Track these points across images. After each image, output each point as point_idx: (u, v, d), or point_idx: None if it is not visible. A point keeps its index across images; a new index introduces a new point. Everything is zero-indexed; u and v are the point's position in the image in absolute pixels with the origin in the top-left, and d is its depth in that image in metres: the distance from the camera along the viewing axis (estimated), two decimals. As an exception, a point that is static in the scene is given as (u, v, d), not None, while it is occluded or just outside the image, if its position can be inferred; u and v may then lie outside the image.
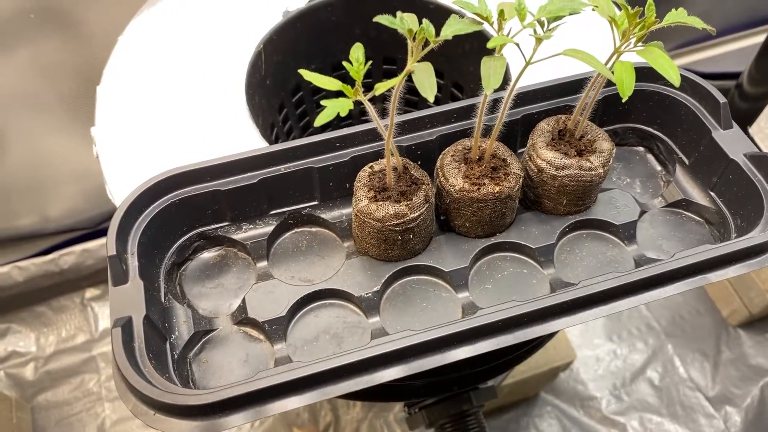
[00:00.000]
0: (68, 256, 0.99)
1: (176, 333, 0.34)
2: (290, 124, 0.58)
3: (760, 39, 1.00)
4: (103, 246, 1.04)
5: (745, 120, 0.90)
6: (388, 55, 0.58)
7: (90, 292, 1.06)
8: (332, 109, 0.28)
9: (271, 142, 0.53)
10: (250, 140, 0.43)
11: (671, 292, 0.32)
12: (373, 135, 0.38)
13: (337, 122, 0.61)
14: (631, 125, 0.42)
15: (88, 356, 1.00)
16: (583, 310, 0.31)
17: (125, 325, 0.30)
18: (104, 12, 0.74)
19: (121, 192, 0.40)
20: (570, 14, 0.29)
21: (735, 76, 1.00)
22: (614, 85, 0.30)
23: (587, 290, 0.31)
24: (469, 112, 0.38)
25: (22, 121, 0.81)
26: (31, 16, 0.71)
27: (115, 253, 0.32)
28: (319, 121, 0.28)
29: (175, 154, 0.42)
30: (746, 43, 1.12)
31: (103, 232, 1.02)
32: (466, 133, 0.38)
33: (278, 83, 0.53)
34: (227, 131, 0.43)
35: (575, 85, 0.38)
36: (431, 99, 0.27)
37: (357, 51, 0.29)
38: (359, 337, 0.36)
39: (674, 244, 0.38)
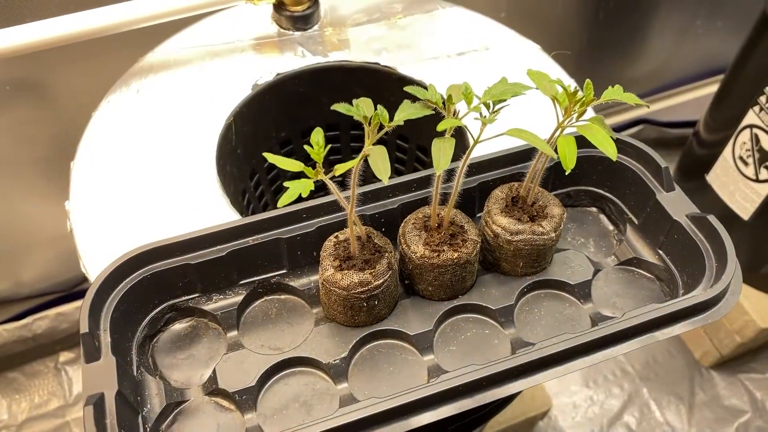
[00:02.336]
0: (42, 321, 0.98)
1: (148, 406, 0.35)
2: (262, 189, 0.59)
3: (713, 89, 1.05)
4: (78, 309, 1.03)
5: (703, 167, 0.93)
6: (355, 122, 0.60)
7: (64, 356, 1.04)
8: (294, 189, 0.30)
9: (242, 208, 0.55)
10: (220, 211, 0.44)
11: (623, 351, 0.34)
12: (338, 206, 0.39)
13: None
14: (583, 188, 0.44)
15: (62, 422, 0.98)
16: (540, 371, 0.33)
17: (97, 403, 0.31)
18: (77, 83, 0.76)
19: (94, 266, 0.41)
20: (512, 97, 0.32)
21: (692, 124, 1.05)
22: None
23: (543, 352, 0.33)
24: (428, 181, 0.40)
25: (-3, 185, 0.82)
26: (7, 88, 0.73)
27: (87, 330, 0.33)
28: (282, 202, 0.29)
29: (148, 228, 0.43)
30: (702, 92, 1.18)
31: (77, 295, 1.01)
32: (426, 201, 0.41)
33: (249, 152, 0.55)
34: (199, 203, 0.45)
35: (525, 154, 0.41)
36: (385, 181, 0.29)
37: (317, 135, 0.31)
38: (328, 404, 0.37)
39: (627, 302, 0.40)
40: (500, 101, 0.32)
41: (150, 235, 0.42)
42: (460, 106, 0.32)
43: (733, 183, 0.87)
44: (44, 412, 0.99)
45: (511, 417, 0.80)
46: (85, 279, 1.02)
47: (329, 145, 0.32)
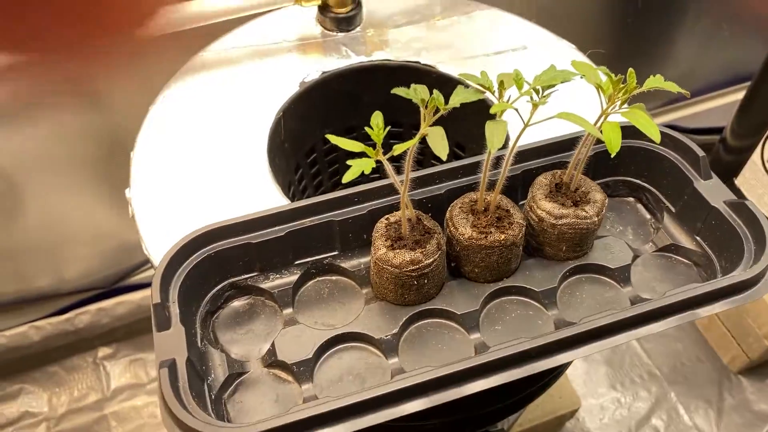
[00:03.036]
0: (84, 315, 1.01)
1: (212, 375, 0.37)
2: (305, 183, 0.62)
3: (739, 96, 1.06)
4: (118, 304, 1.06)
5: (731, 172, 0.94)
6: (394, 119, 0.63)
7: (102, 351, 1.07)
8: (357, 167, 0.32)
9: (289, 200, 0.58)
10: (272, 198, 0.47)
11: (663, 327, 0.36)
12: (388, 190, 0.42)
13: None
14: (621, 178, 0.46)
15: (100, 415, 1.01)
16: (585, 344, 0.35)
17: (171, 366, 0.33)
18: (124, 85, 0.79)
19: (156, 248, 0.44)
20: (561, 83, 0.34)
21: (718, 131, 1.06)
22: (603, 142, 0.35)
23: (588, 326, 0.34)
24: (473, 168, 0.42)
25: (41, 185, 0.85)
26: (56, 89, 0.76)
27: (159, 301, 0.35)
28: (347, 178, 0.32)
29: (204, 214, 0.46)
30: (727, 100, 1.18)
31: (117, 291, 1.05)
32: (471, 188, 0.42)
33: (295, 146, 0.57)
34: (252, 192, 0.47)
35: (569, 143, 0.43)
36: (444, 158, 0.31)
37: (377, 118, 0.33)
38: (380, 376, 0.39)
39: (666, 285, 0.41)
40: (550, 86, 0.34)
41: (207, 220, 0.45)
42: (511, 91, 0.34)
43: (763, 186, 0.88)
44: (83, 406, 1.02)
45: (541, 415, 0.81)
46: (125, 276, 1.05)
47: (388, 127, 0.34)
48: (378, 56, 0.57)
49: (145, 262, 1.04)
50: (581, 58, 0.55)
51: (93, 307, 1.02)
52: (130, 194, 0.48)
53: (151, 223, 0.46)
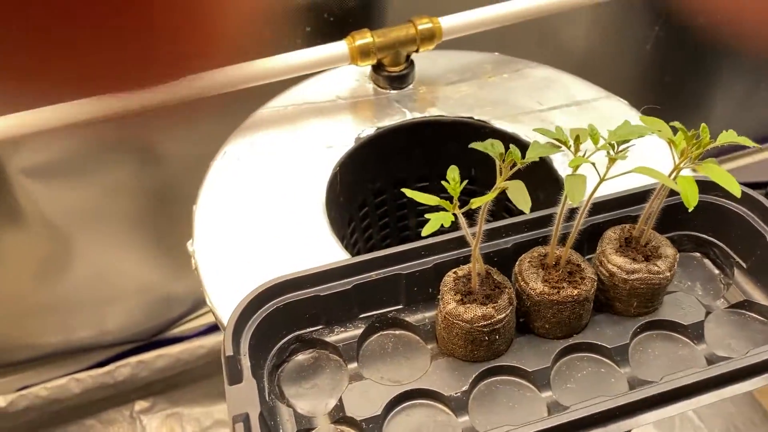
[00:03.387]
0: (124, 368, 1.01)
1: (281, 430, 0.37)
2: (356, 236, 0.62)
3: None
4: (158, 357, 1.06)
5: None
6: (443, 174, 0.63)
7: (139, 405, 1.06)
8: (436, 221, 0.32)
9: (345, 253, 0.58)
10: (331, 251, 0.47)
11: (750, 387, 0.34)
12: (454, 243, 0.42)
13: (398, 233, 0.66)
14: (687, 233, 0.46)
15: (136, 471, 1.00)
16: (669, 404, 0.33)
17: (245, 421, 0.33)
18: (176, 144, 0.81)
19: (219, 299, 0.44)
20: (637, 138, 0.34)
21: (761, 186, 1.05)
22: (670, 196, 0.34)
23: (671, 385, 0.33)
24: (539, 222, 0.42)
25: (89, 239, 0.87)
26: (111, 146, 0.79)
27: (231, 353, 0.35)
28: (426, 231, 0.32)
29: (265, 267, 0.46)
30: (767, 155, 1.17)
31: (156, 344, 1.05)
32: (537, 242, 0.42)
33: (349, 200, 0.58)
34: (311, 244, 0.48)
35: (639, 197, 0.42)
36: (527, 211, 0.31)
37: (453, 172, 0.34)
38: (449, 435, 0.37)
39: (743, 343, 0.40)
40: (625, 141, 0.34)
41: (268, 272, 0.45)
42: (586, 146, 0.34)
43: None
44: (119, 460, 1.01)
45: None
46: (165, 328, 1.06)
47: (464, 182, 0.35)
48: (430, 112, 0.58)
49: (185, 315, 1.05)
50: (633, 113, 0.56)
51: (133, 359, 1.02)
52: (192, 247, 0.49)
53: (214, 276, 0.46)
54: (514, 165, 0.33)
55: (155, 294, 0.99)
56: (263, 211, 0.51)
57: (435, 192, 0.64)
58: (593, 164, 0.33)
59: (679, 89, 1.02)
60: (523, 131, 0.55)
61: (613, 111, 0.57)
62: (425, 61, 0.62)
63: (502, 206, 0.61)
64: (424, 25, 0.57)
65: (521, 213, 0.34)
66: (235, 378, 0.35)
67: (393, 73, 0.60)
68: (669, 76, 0.99)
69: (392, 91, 0.61)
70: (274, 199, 0.52)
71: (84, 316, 0.98)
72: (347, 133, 0.57)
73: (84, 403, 1.02)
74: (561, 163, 0.53)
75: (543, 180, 0.53)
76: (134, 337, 1.03)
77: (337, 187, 0.55)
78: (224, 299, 0.44)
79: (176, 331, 1.05)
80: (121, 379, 1.01)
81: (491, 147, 0.33)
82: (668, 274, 0.39)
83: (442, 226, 0.34)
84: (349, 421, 0.37)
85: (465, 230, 0.36)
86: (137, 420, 1.05)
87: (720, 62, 0.98)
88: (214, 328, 1.03)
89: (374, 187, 0.62)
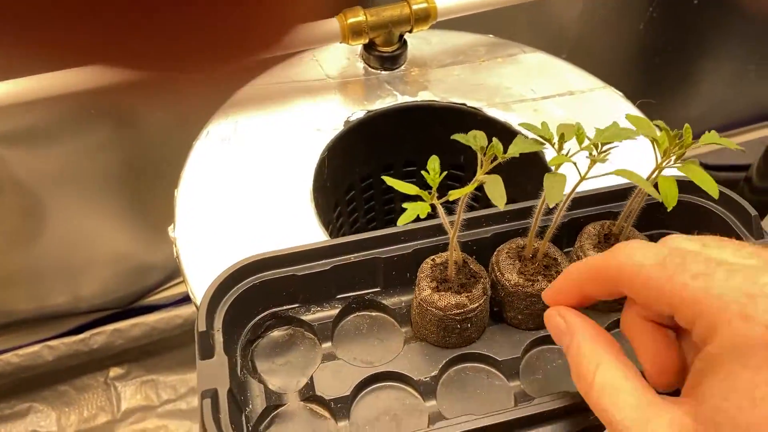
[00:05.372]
0: (98, 336, 1.01)
1: (250, 406, 0.37)
2: (342, 220, 0.62)
3: (763, 133, 1.06)
4: (133, 326, 1.05)
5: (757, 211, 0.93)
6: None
7: (114, 371, 1.06)
8: (412, 211, 0.32)
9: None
10: (316, 238, 0.47)
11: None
12: (434, 231, 0.42)
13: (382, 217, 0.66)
14: (666, 231, 0.46)
15: (109, 437, 1.00)
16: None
17: (213, 397, 0.33)
18: (158, 113, 0.80)
19: (199, 287, 0.44)
20: (624, 140, 0.34)
21: (742, 168, 1.06)
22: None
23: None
24: (521, 214, 0.42)
25: (63, 205, 0.85)
26: (92, 111, 0.77)
27: (204, 329, 0.35)
28: (402, 221, 0.32)
29: (248, 253, 0.46)
30: (752, 136, 1.18)
31: (132, 312, 1.04)
32: (517, 233, 0.42)
33: (335, 184, 0.58)
34: (296, 230, 0.48)
35: (619, 194, 0.43)
36: (501, 206, 0.31)
37: (434, 162, 0.34)
38: (417, 419, 0.38)
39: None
40: (610, 142, 0.34)
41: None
42: (570, 144, 0.34)
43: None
44: (92, 426, 1.01)
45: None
46: (140, 296, 1.05)
47: (444, 172, 0.34)
48: (422, 96, 0.58)
49: (161, 284, 1.04)
50: (628, 105, 0.56)
51: (108, 327, 1.02)
52: (173, 233, 0.48)
53: (194, 263, 0.46)
54: (495, 158, 0.33)
55: (131, 262, 0.98)
56: (248, 196, 0.50)
57: (422, 177, 0.65)
58: (574, 164, 0.33)
59: (671, 69, 1.02)
60: (516, 120, 0.55)
61: (608, 103, 0.57)
62: (418, 41, 0.62)
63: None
64: (418, 4, 0.56)
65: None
66: (207, 353, 0.35)
67: (385, 53, 0.60)
68: (661, 57, 0.99)
69: (383, 72, 0.61)
70: (260, 183, 0.51)
71: (58, 283, 0.97)
72: (336, 115, 0.57)
73: (57, 370, 1.02)
74: (552, 154, 0.53)
75: (532, 170, 0.53)
76: (109, 304, 1.02)
77: (324, 172, 0.55)
78: (204, 286, 0.44)
79: (152, 299, 1.05)
80: (96, 346, 1.01)
81: (473, 140, 0.33)
82: (643, 271, 0.39)
83: (422, 217, 0.34)
84: (319, 400, 0.38)
85: (444, 220, 0.36)
86: (112, 386, 1.05)
87: (711, 43, 0.99)
88: (189, 297, 1.03)
89: (362, 172, 0.62)
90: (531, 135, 0.35)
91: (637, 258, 0.27)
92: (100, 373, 1.06)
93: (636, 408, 0.25)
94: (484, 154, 0.34)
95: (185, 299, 1.03)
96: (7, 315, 0.98)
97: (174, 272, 1.03)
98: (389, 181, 0.34)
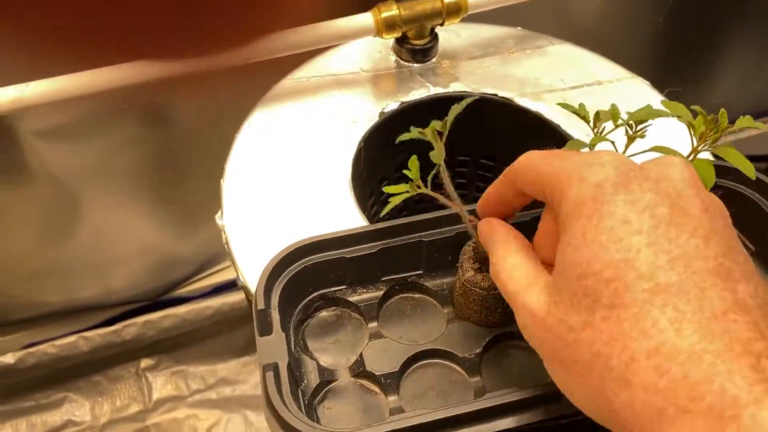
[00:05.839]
0: (131, 327, 1.03)
1: (305, 381, 0.39)
2: (376, 209, 0.64)
3: None
4: (164, 317, 1.07)
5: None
6: (462, 150, 0.65)
7: (145, 362, 1.09)
8: (396, 199, 0.35)
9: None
10: (356, 224, 0.48)
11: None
12: (476, 215, 0.43)
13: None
14: (697, 215, 0.47)
15: (142, 426, 1.02)
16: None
17: (275, 369, 0.35)
18: (192, 108, 0.82)
19: (249, 272, 0.46)
20: (657, 118, 0.36)
21: (763, 158, 1.06)
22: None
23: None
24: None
25: (95, 197, 0.87)
26: (125, 107, 0.79)
27: (263, 307, 0.37)
28: (386, 209, 0.35)
29: (291, 237, 0.47)
30: None
31: (162, 304, 1.07)
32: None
33: (371, 175, 0.59)
34: (337, 218, 0.49)
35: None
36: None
37: (413, 164, 0.41)
38: (462, 393, 0.40)
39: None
40: (643, 121, 0.35)
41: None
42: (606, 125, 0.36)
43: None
44: (125, 416, 1.04)
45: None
46: (170, 289, 1.07)
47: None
48: (454, 87, 0.60)
49: (191, 276, 1.07)
50: (655, 94, 0.57)
51: (140, 319, 1.04)
52: (221, 221, 0.50)
53: (243, 248, 0.48)
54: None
55: (161, 255, 1.00)
56: (290, 185, 0.52)
57: (454, 168, 0.66)
58: (612, 142, 0.35)
59: (691, 61, 1.02)
60: (547, 110, 0.57)
61: (635, 92, 0.58)
62: (448, 34, 0.63)
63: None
64: (450, -2, 0.58)
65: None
66: (266, 330, 0.37)
67: (417, 46, 0.61)
68: (681, 49, 1.00)
69: (415, 65, 0.62)
70: (301, 173, 0.53)
71: (90, 276, 0.99)
72: (371, 107, 0.58)
73: (91, 361, 1.05)
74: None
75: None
76: (139, 297, 1.05)
77: (360, 163, 0.56)
78: (255, 271, 0.45)
79: (182, 291, 1.07)
80: (128, 338, 1.03)
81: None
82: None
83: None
84: (369, 376, 0.40)
85: (452, 197, 0.38)
86: (143, 377, 1.08)
87: (731, 32, 0.99)
88: (219, 289, 1.05)
89: (395, 163, 0.64)
90: (568, 115, 0.37)
91: (528, 156, 0.34)
92: (132, 363, 1.09)
93: (525, 279, 0.32)
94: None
95: (215, 291, 1.06)
96: (41, 307, 1.01)
97: (204, 264, 1.05)
98: (387, 189, 0.37)
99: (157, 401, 1.05)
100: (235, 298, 1.04)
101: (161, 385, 1.06)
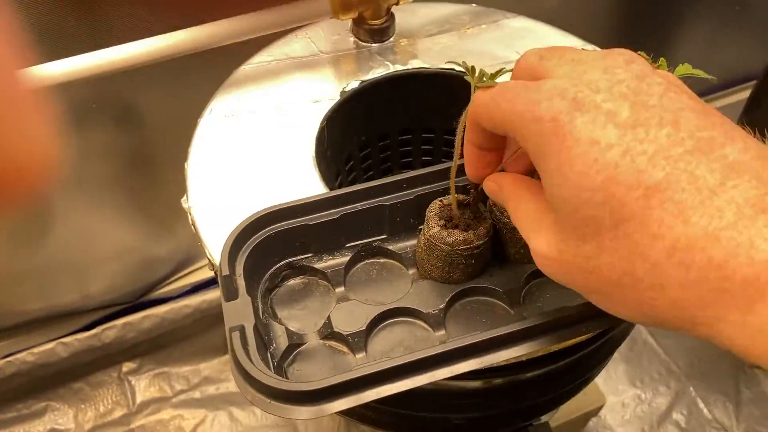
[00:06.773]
0: (110, 330, 1.03)
1: (274, 344, 0.40)
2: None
3: (743, 96, 1.09)
4: (144, 318, 1.07)
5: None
6: (426, 126, 0.66)
7: (126, 366, 1.09)
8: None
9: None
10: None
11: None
12: (434, 177, 0.44)
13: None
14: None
15: (127, 429, 1.02)
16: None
17: (241, 331, 0.36)
18: (159, 103, 0.82)
19: (218, 251, 0.46)
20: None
21: None
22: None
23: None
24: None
25: (68, 200, 0.87)
26: (93, 106, 0.79)
27: (228, 273, 0.38)
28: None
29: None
30: (731, 100, 1.21)
31: (141, 306, 1.06)
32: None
33: (335, 154, 0.60)
34: (302, 194, 0.50)
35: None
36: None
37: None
38: (427, 347, 0.41)
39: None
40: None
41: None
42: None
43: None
44: (109, 420, 1.03)
45: (567, 413, 0.83)
46: (148, 291, 1.07)
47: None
48: (413, 64, 0.61)
49: (169, 276, 1.06)
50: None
51: (119, 321, 1.04)
52: (187, 203, 0.50)
53: (209, 228, 0.48)
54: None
55: (137, 257, 1.00)
56: (254, 165, 0.52)
57: (418, 144, 0.67)
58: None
59: (649, 32, 1.05)
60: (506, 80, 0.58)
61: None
62: (404, 13, 0.64)
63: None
64: (404, -22, 0.59)
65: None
66: (231, 295, 0.38)
67: (374, 26, 0.63)
68: (639, 19, 1.02)
69: (374, 45, 0.63)
70: (265, 153, 0.53)
71: (67, 281, 0.99)
72: (332, 87, 0.59)
73: (71, 367, 1.04)
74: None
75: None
76: (118, 299, 1.04)
77: (324, 141, 0.57)
78: (218, 250, 0.46)
79: (161, 292, 1.07)
80: (108, 341, 1.03)
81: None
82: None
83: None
84: (337, 336, 0.40)
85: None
86: (125, 381, 1.07)
87: (691, 2, 1.02)
88: (198, 288, 1.05)
89: (360, 141, 0.65)
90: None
91: (478, 98, 0.35)
92: (113, 368, 1.09)
93: (533, 224, 0.33)
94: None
95: (193, 290, 1.06)
96: (18, 315, 1.00)
97: (181, 264, 1.05)
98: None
99: (141, 404, 1.04)
100: (214, 295, 1.04)
101: (144, 387, 1.06)
